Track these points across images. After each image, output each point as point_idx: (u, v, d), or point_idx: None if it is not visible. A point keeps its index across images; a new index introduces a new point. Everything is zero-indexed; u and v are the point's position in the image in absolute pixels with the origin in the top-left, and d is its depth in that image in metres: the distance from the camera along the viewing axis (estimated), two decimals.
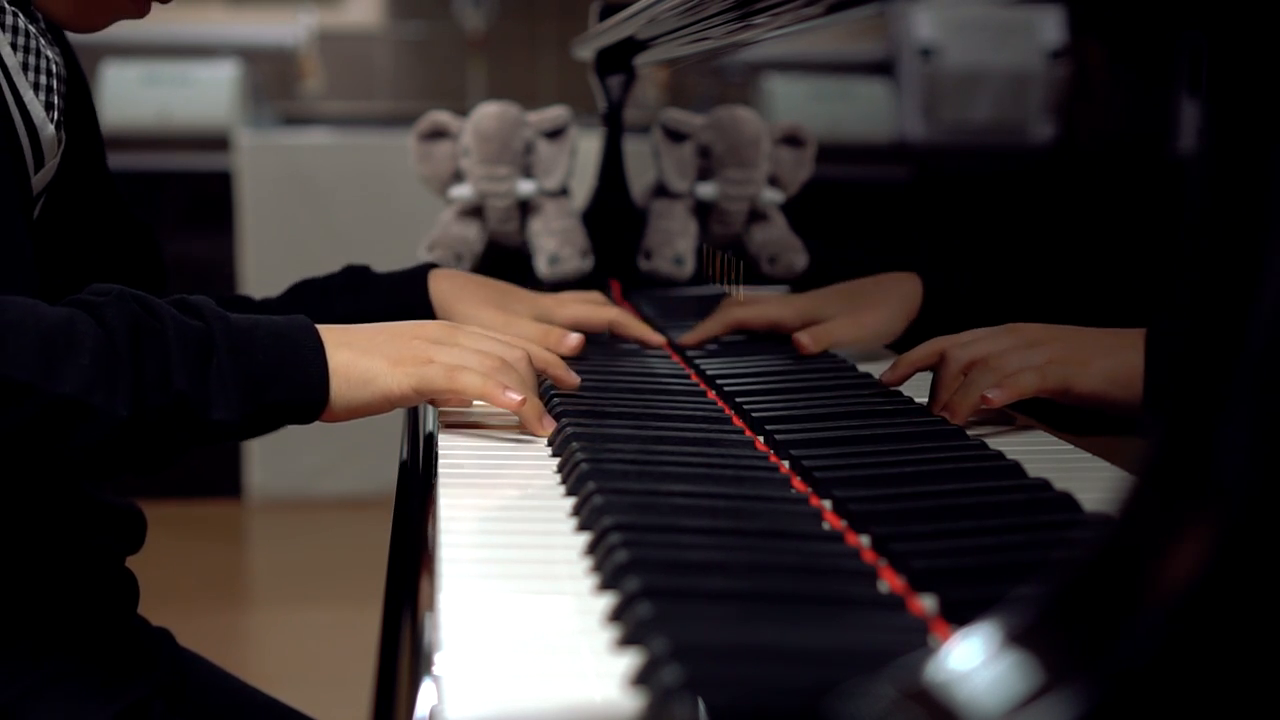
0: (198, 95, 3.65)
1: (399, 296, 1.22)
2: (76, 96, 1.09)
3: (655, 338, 1.28)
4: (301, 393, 0.89)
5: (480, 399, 0.95)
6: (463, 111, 1.67)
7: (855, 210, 1.38)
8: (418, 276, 1.25)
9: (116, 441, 0.82)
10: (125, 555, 1.10)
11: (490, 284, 1.27)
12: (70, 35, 1.10)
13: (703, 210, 1.57)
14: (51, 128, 0.98)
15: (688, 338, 1.29)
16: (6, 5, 0.96)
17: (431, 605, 0.63)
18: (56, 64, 0.99)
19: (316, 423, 0.92)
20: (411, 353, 0.93)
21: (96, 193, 1.15)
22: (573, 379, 1.03)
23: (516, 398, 0.93)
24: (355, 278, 1.25)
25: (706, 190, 1.54)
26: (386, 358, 0.92)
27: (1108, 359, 0.87)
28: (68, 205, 1.07)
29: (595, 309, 1.28)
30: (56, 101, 0.99)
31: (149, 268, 1.21)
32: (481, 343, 0.97)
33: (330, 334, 0.92)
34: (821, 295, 1.23)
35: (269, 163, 3.49)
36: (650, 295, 1.58)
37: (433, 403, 1.00)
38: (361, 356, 0.91)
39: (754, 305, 1.23)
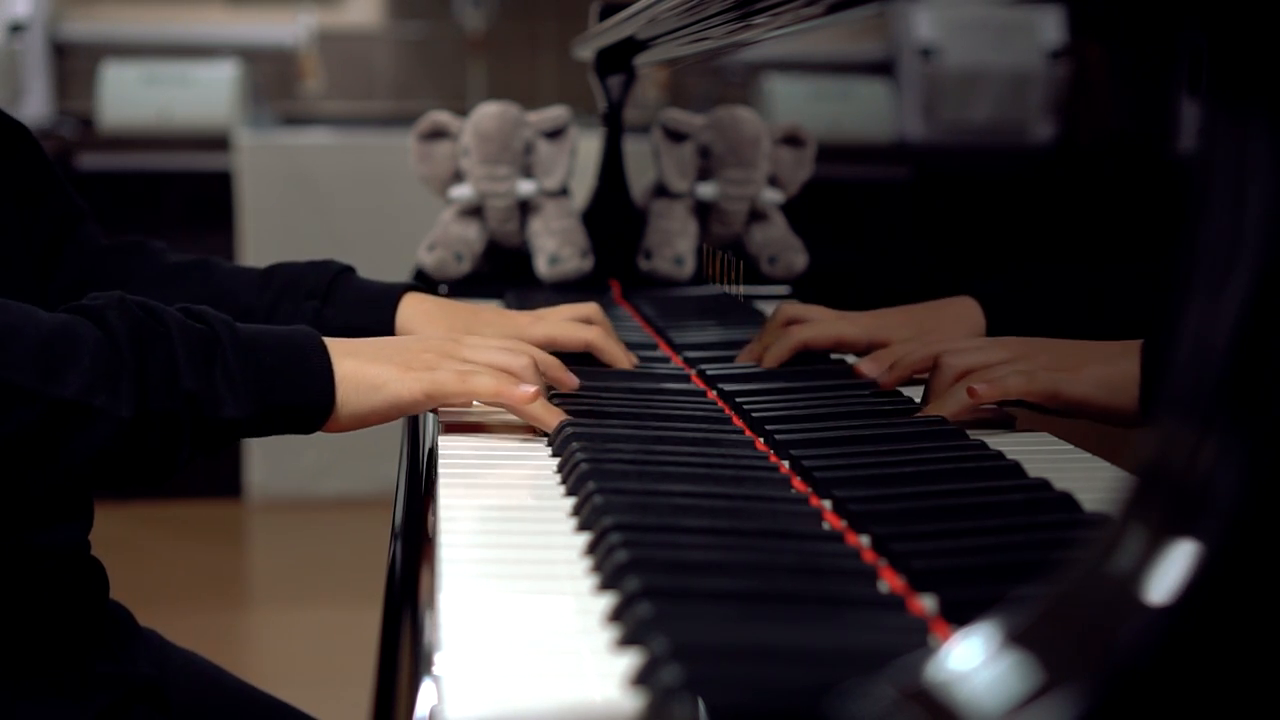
0: (198, 95, 3.65)
1: (364, 316, 1.17)
2: None
3: (626, 362, 1.17)
4: (307, 395, 0.89)
5: (494, 400, 0.94)
6: (463, 111, 1.67)
7: (855, 210, 1.38)
8: (389, 298, 1.20)
9: (121, 445, 0.82)
10: (84, 539, 1.08)
11: (459, 309, 1.22)
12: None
13: (703, 210, 1.57)
14: None
15: (747, 357, 1.19)
16: None
17: (431, 605, 0.63)
18: None
19: (318, 433, 0.91)
20: (421, 361, 0.93)
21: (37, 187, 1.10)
22: (572, 380, 1.03)
23: (530, 389, 0.93)
24: (330, 281, 1.20)
25: (706, 190, 1.54)
26: (396, 365, 0.92)
27: (1098, 366, 0.88)
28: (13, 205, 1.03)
29: (571, 330, 1.17)
30: None
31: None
32: (486, 354, 0.96)
33: (335, 345, 0.91)
34: (882, 316, 1.15)
35: (269, 163, 3.49)
36: (650, 295, 1.58)
37: (434, 410, 1.00)
38: (369, 364, 0.91)
39: (818, 325, 1.14)
